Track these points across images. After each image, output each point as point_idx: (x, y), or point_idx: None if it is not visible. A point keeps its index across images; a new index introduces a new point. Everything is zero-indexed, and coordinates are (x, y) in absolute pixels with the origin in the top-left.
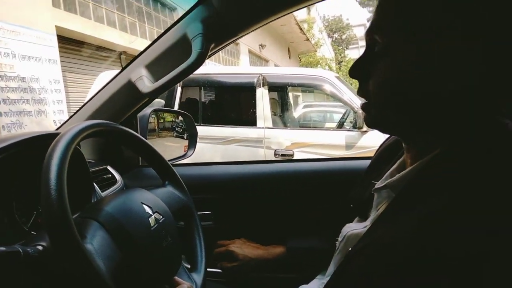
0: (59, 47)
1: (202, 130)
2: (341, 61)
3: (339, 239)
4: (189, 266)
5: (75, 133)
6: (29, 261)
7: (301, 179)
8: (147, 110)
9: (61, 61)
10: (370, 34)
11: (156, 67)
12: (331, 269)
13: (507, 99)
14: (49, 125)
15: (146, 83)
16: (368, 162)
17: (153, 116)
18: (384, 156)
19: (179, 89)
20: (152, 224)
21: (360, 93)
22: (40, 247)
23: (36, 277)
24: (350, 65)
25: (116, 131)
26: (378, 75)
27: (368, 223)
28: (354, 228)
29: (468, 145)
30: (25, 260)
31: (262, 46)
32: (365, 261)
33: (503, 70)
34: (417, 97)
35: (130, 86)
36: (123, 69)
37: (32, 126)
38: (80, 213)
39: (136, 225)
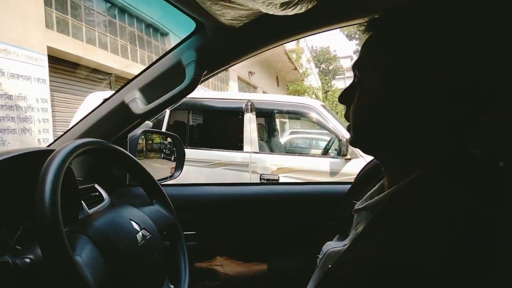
0: (50, 66)
1: (189, 153)
2: (328, 91)
3: (320, 256)
4: (172, 287)
5: (70, 149)
6: (18, 272)
7: (284, 201)
8: (138, 131)
9: (50, 80)
10: (353, 69)
11: (149, 90)
12: (310, 285)
13: (476, 129)
14: (32, 143)
15: (139, 105)
16: (348, 187)
17: (143, 137)
18: (365, 178)
19: (167, 112)
20: (139, 240)
21: (346, 116)
22: (27, 260)
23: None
24: (336, 94)
25: (109, 150)
26: (354, 102)
27: (347, 241)
28: (334, 246)
29: (437, 173)
30: (14, 271)
31: (251, 73)
32: (343, 278)
33: (461, 103)
34: (380, 123)
35: (123, 107)
36: (117, 91)
37: (15, 144)
38: (69, 228)
39: (124, 240)
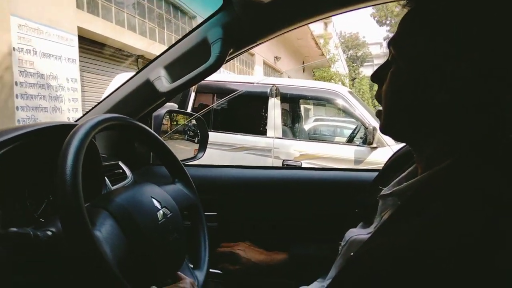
0: (79, 47)
1: (213, 136)
2: (355, 78)
3: (342, 243)
4: (192, 266)
5: (93, 124)
6: (38, 244)
7: (308, 187)
8: (162, 110)
9: (80, 60)
10: (388, 45)
11: (174, 68)
12: (332, 272)
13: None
14: None
15: (164, 83)
16: (374, 174)
17: (167, 116)
18: (394, 165)
19: (192, 94)
20: (160, 218)
21: (377, 96)
22: (49, 232)
23: (45, 260)
24: (364, 82)
25: (132, 126)
26: (386, 81)
27: (371, 229)
28: (357, 233)
29: (471, 159)
30: (35, 243)
31: (277, 58)
32: (367, 265)
33: (494, 83)
34: (412, 103)
35: (148, 85)
36: (142, 68)
37: None
38: (91, 203)
39: (145, 217)
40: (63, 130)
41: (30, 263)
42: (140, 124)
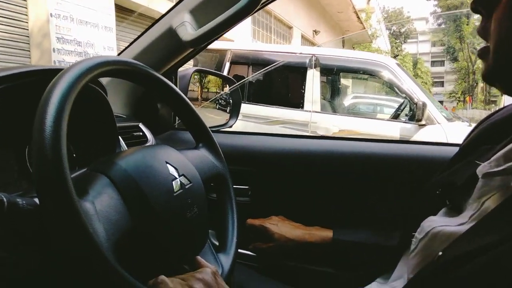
0: (116, 15)
1: (246, 108)
2: (397, 55)
3: (417, 235)
4: (216, 244)
5: (87, 67)
6: (16, 213)
7: (361, 161)
8: (190, 70)
9: (116, 30)
10: (475, 5)
11: (201, 12)
12: (399, 272)
13: None
14: None
15: (188, 30)
16: (450, 149)
17: (195, 77)
18: (488, 134)
19: (227, 65)
20: (176, 189)
21: (481, 31)
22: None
23: (25, 231)
24: (406, 59)
25: (144, 74)
26: (502, 4)
27: (465, 219)
28: (442, 223)
29: None
30: (10, 211)
31: (316, 32)
32: (476, 273)
33: None
34: None
35: (170, 34)
36: (165, 14)
37: None
38: (90, 166)
39: (156, 186)
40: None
41: (16, 236)
42: (152, 71)
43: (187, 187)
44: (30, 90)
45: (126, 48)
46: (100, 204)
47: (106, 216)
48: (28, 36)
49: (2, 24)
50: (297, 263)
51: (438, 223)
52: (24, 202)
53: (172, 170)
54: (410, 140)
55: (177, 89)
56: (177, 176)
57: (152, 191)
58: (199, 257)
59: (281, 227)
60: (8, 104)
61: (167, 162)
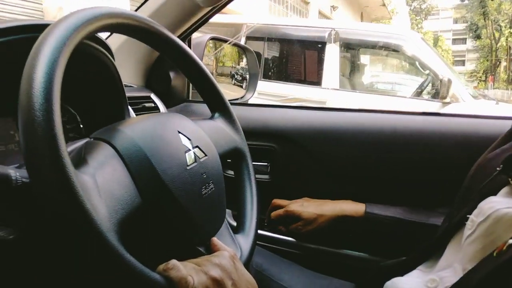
0: None
1: (262, 86)
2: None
3: (476, 218)
4: (234, 224)
5: (82, 19)
6: (6, 187)
7: (395, 135)
8: (204, 37)
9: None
10: None
11: None
12: (449, 260)
13: None
14: None
15: None
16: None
17: (211, 46)
18: None
19: (242, 40)
20: (189, 162)
21: None
22: None
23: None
24: (427, 37)
25: (150, 31)
26: None
27: None
28: (508, 205)
29: None
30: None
31: (333, 8)
32: None
33: None
34: None
35: None
36: None
37: None
38: (94, 134)
39: (166, 159)
40: None
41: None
42: (164, 29)
43: (201, 160)
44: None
45: (138, 8)
46: (102, 177)
47: (108, 191)
48: (42, 11)
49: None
50: (323, 246)
51: (502, 204)
52: (17, 174)
53: (185, 141)
54: (453, 113)
55: (191, 51)
56: (190, 148)
57: (162, 163)
58: (215, 239)
59: (307, 206)
60: (5, 65)
61: (179, 132)
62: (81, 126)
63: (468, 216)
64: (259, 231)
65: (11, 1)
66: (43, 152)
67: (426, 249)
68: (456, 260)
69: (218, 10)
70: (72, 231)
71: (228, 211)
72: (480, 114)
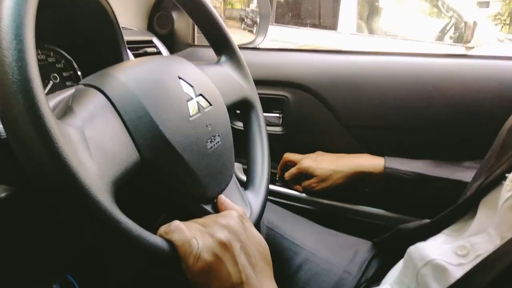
0: None
1: (273, 32)
2: None
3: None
4: (244, 179)
5: None
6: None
7: (420, 81)
8: None
9: None
10: None
11: None
12: (481, 224)
13: None
14: None
15: None
16: None
17: None
18: None
19: None
20: (192, 112)
21: None
22: None
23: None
24: None
25: None
26: None
27: None
28: None
29: None
30: None
31: None
32: None
33: None
34: None
35: None
36: None
37: None
38: (84, 79)
39: (165, 108)
40: None
41: None
42: None
43: (206, 110)
44: None
45: None
46: (92, 130)
47: (99, 145)
48: None
49: None
50: (340, 202)
51: None
52: (1, 126)
53: (187, 88)
54: (485, 55)
55: None
56: (193, 96)
57: (161, 113)
58: (223, 196)
59: (321, 161)
60: None
61: (180, 78)
62: (79, 73)
63: (506, 175)
64: (270, 186)
65: None
66: (16, 99)
67: (453, 210)
68: (490, 225)
69: None
70: (56, 192)
71: (238, 164)
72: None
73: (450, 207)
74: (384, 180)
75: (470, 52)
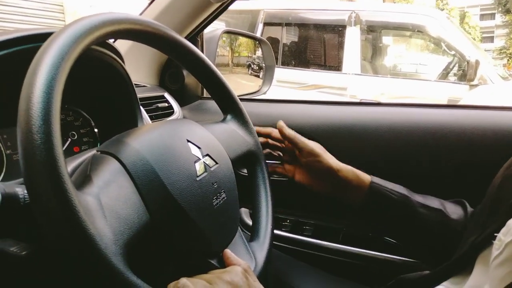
0: None
1: (280, 73)
2: (443, 9)
3: (504, 237)
4: (250, 223)
5: (83, 28)
6: (14, 207)
7: (417, 130)
8: (217, 31)
9: None
10: None
11: None
12: (477, 280)
13: None
14: None
15: None
16: None
17: (225, 39)
18: None
19: (260, 26)
20: (199, 172)
21: None
22: None
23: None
24: (452, 13)
25: (156, 34)
26: None
27: None
28: None
29: None
30: (8, 205)
31: None
32: None
33: None
34: None
35: None
36: None
37: None
38: (101, 146)
39: (175, 171)
40: None
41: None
42: (169, 30)
43: (212, 169)
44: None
45: (146, 8)
46: (107, 196)
47: (114, 211)
48: (62, 5)
49: None
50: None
51: None
52: (25, 192)
53: (194, 150)
54: (481, 105)
55: (199, 52)
56: (200, 157)
57: (171, 176)
58: (228, 251)
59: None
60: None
61: (188, 141)
62: (95, 130)
63: (495, 234)
64: (277, 232)
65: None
66: (43, 176)
67: (452, 263)
68: (486, 281)
69: (230, 3)
70: (76, 257)
71: (245, 210)
72: (505, 106)
73: (449, 261)
74: (369, 195)
75: (474, 90)
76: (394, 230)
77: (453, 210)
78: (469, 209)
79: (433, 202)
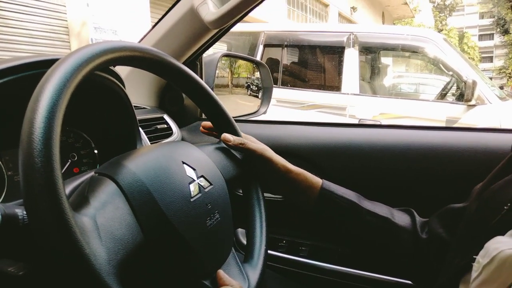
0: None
1: (280, 93)
2: (441, 30)
3: (481, 260)
4: (244, 242)
5: (85, 57)
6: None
7: (414, 154)
8: (216, 54)
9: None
10: None
11: None
12: None
13: None
14: None
15: (210, 9)
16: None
17: (223, 61)
18: None
19: (260, 48)
20: (193, 193)
21: None
22: None
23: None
24: (451, 34)
25: (154, 60)
26: None
27: None
28: None
29: None
30: (7, 225)
31: (353, 9)
32: None
33: None
34: None
35: (192, 15)
36: None
37: None
38: (99, 168)
39: (170, 193)
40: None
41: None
42: (167, 56)
43: (206, 190)
44: (30, 85)
45: (146, 34)
46: (103, 217)
47: (109, 232)
48: (67, 27)
49: (43, 17)
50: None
51: (508, 245)
52: (24, 213)
53: (189, 172)
54: (466, 126)
55: (195, 75)
56: (195, 178)
57: (165, 197)
58: (221, 272)
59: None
60: (6, 101)
61: (184, 162)
62: (95, 151)
63: (474, 256)
64: (272, 252)
65: (36, 18)
66: (41, 198)
67: (439, 286)
68: None
69: (228, 29)
70: (72, 276)
71: (241, 230)
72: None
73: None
74: (318, 200)
75: (471, 110)
76: (344, 236)
77: (401, 218)
78: (418, 218)
79: (382, 209)
